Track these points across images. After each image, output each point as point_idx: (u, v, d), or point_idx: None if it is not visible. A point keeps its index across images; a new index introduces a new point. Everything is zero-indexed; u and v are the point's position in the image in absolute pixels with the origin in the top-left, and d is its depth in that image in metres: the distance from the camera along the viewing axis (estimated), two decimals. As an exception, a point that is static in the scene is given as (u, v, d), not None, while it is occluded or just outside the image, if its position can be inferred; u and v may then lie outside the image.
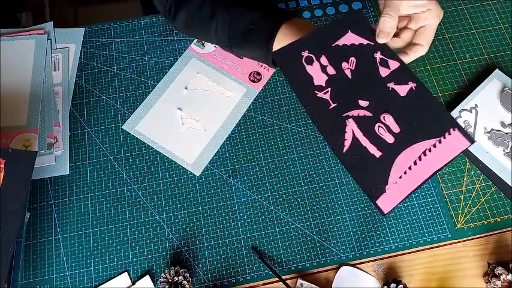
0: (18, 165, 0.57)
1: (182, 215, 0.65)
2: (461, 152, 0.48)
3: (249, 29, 0.61)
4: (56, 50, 0.75)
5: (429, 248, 0.64)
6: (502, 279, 0.58)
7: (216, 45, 0.75)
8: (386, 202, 0.47)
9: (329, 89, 0.50)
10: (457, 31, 0.78)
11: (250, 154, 0.69)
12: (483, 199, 0.66)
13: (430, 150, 0.47)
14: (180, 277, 0.57)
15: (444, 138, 0.48)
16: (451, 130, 0.48)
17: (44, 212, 0.65)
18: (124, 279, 0.61)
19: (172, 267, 0.59)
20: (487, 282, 0.61)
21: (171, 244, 0.64)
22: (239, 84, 0.73)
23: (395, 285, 0.58)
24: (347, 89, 0.50)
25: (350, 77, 0.51)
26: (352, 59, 0.52)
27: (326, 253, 0.63)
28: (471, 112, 0.69)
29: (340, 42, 0.52)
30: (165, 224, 0.65)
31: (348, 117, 0.49)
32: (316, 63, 0.52)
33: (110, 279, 0.61)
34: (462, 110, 0.69)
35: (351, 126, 0.49)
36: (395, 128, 0.48)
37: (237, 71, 0.74)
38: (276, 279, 0.61)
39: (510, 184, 0.65)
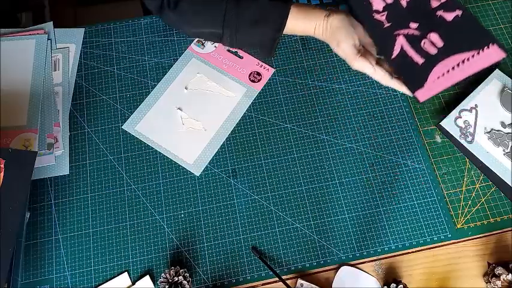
0: (18, 165, 0.57)
1: (182, 215, 0.65)
2: (497, 62, 0.56)
3: (262, 10, 0.65)
4: (56, 50, 0.75)
5: (429, 248, 0.64)
6: (502, 279, 0.58)
7: (216, 44, 0.75)
8: (423, 94, 0.58)
9: (385, 12, 0.61)
10: (457, 31, 0.78)
11: (250, 154, 0.69)
12: (483, 199, 0.66)
13: (468, 60, 0.57)
14: (180, 277, 0.57)
15: (483, 51, 0.56)
16: (490, 45, 0.56)
17: (44, 212, 0.65)
18: (124, 279, 0.61)
19: (172, 267, 0.59)
20: (487, 282, 0.61)
21: (171, 244, 0.64)
22: (239, 84, 0.73)
23: (395, 285, 0.58)
24: (401, 14, 0.61)
25: (405, 6, 0.61)
26: None
27: (326, 253, 0.63)
28: (471, 112, 0.69)
29: None
30: (165, 224, 0.65)
31: (399, 34, 0.60)
32: None
33: (110, 279, 0.61)
34: (462, 110, 0.69)
35: (401, 41, 0.59)
36: (439, 43, 0.58)
37: (237, 71, 0.74)
38: (276, 279, 0.61)
39: (510, 184, 0.65)
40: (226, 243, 0.64)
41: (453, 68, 0.57)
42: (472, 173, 0.68)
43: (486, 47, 0.56)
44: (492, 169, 0.66)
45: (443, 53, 0.58)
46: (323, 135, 0.70)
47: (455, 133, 0.68)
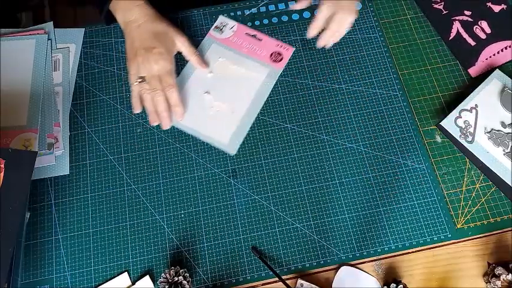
0: (18, 165, 0.57)
1: (182, 215, 0.65)
2: None
3: None
4: (56, 50, 0.75)
5: (429, 248, 0.64)
6: (502, 279, 0.58)
7: (234, 28, 0.77)
8: (475, 70, 0.73)
9: (443, 2, 0.77)
10: (457, 31, 0.78)
11: (250, 154, 0.69)
12: (483, 199, 0.66)
13: (510, 46, 0.74)
14: (180, 277, 0.57)
15: None
16: None
17: (44, 212, 0.65)
18: (124, 279, 0.61)
19: (172, 267, 0.59)
20: (487, 282, 0.61)
21: (171, 244, 0.64)
22: (261, 65, 0.74)
23: (395, 285, 0.58)
24: (457, 3, 0.77)
25: None
26: None
27: (326, 253, 0.63)
28: (471, 112, 0.69)
29: None
30: (165, 224, 0.65)
31: (455, 20, 0.76)
32: None
33: (110, 279, 0.61)
34: (462, 110, 0.69)
35: (457, 26, 0.75)
36: (488, 30, 0.74)
37: (257, 53, 0.75)
38: (276, 279, 0.61)
39: (510, 184, 0.65)
40: (226, 243, 0.64)
41: (498, 52, 0.73)
42: (472, 173, 0.68)
43: None
44: (492, 169, 0.66)
45: (491, 39, 0.74)
46: (323, 135, 0.70)
47: (455, 133, 0.68)
